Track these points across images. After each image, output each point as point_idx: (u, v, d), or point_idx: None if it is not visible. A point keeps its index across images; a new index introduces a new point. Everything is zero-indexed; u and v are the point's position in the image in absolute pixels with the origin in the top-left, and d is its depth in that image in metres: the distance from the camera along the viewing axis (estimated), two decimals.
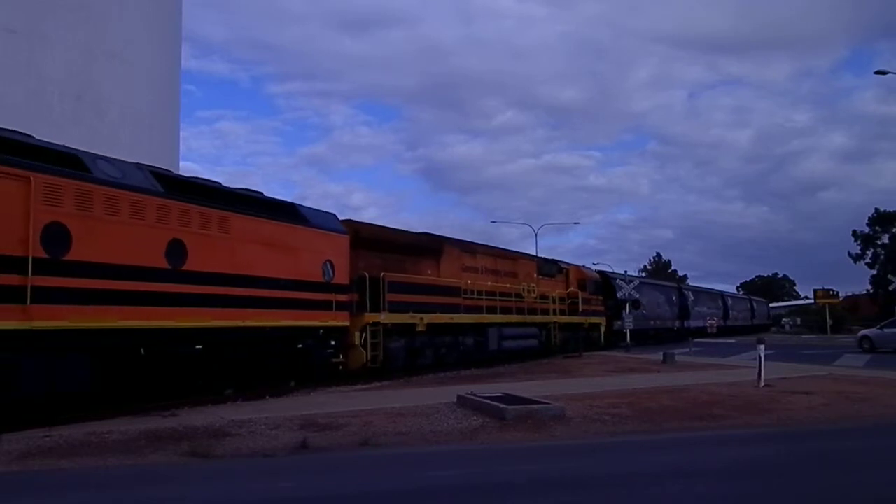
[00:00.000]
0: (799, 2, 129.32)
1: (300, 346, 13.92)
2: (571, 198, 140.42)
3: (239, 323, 12.21)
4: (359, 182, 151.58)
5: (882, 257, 59.59)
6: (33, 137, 9.79)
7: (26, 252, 8.74)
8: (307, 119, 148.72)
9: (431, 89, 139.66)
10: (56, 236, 9.15)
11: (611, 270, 37.30)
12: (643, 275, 58.30)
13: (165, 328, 10.75)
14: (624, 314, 31.18)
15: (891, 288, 39.10)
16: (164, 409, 10.28)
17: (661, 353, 22.00)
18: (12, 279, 8.61)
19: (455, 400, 10.90)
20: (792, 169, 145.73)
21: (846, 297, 64.84)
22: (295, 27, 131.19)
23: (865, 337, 29.18)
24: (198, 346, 11.44)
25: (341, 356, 15.36)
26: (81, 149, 10.42)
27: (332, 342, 14.96)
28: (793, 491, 5.79)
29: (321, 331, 14.51)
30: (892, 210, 58.72)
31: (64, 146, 10.13)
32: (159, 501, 5.66)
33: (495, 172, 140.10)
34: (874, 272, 60.33)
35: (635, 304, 32.95)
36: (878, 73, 29.53)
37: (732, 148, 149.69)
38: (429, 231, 21.40)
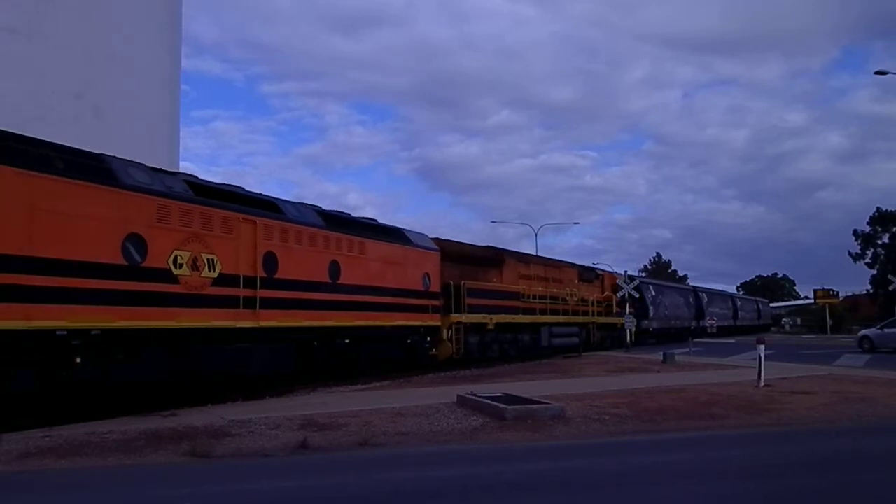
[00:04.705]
0: (787, 1, 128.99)
1: (409, 341, 17.79)
2: (568, 198, 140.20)
3: (371, 323, 16.00)
4: (355, 182, 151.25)
5: (882, 257, 59.50)
6: (244, 189, 13.59)
7: (255, 273, 12.40)
8: (302, 119, 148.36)
9: (426, 89, 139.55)
10: (270, 261, 12.82)
11: (611, 271, 37.53)
12: (643, 275, 58.47)
13: (328, 326, 14.47)
14: (626, 315, 31.16)
15: (891, 288, 38.99)
16: (163, 409, 10.34)
17: (661, 352, 22.02)
18: (249, 292, 12.19)
19: (455, 400, 10.91)
20: (788, 169, 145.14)
21: (846, 297, 64.86)
22: (287, 27, 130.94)
23: (865, 337, 29.13)
24: (346, 340, 15.19)
25: (434, 350, 19.04)
26: (273, 195, 14.26)
27: (428, 338, 18.68)
28: (793, 490, 5.79)
29: (422, 329, 18.31)
30: (892, 209, 58.63)
31: (261, 194, 13.90)
32: (159, 501, 5.66)
33: (492, 172, 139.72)
34: (874, 272, 60.22)
35: (633, 302, 32.97)
36: (877, 73, 29.57)
37: (728, 148, 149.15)
38: (490, 244, 25.17)
